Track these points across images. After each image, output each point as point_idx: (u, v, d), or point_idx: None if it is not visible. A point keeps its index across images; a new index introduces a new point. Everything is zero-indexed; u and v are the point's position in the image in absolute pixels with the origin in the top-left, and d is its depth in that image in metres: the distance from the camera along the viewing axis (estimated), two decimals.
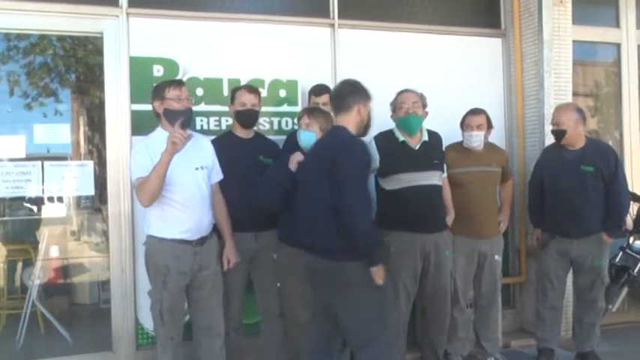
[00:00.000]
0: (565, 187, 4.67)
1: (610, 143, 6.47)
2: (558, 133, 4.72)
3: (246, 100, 4.23)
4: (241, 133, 4.30)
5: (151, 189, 3.52)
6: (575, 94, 5.80)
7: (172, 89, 3.76)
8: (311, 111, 4.12)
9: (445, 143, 4.68)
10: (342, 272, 3.37)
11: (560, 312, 4.95)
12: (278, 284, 4.19)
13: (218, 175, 3.99)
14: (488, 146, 4.84)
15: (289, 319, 4.09)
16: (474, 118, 4.71)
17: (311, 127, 4.01)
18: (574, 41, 5.62)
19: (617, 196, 4.66)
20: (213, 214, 3.92)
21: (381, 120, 4.51)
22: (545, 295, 4.86)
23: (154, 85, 3.96)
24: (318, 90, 4.60)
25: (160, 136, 3.72)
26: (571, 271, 4.90)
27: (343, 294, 3.40)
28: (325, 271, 3.43)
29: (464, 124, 4.75)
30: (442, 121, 4.77)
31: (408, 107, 4.35)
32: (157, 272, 3.69)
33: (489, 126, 4.78)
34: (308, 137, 3.99)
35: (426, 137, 4.43)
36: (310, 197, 3.49)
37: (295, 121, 4.81)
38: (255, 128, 4.40)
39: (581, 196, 4.63)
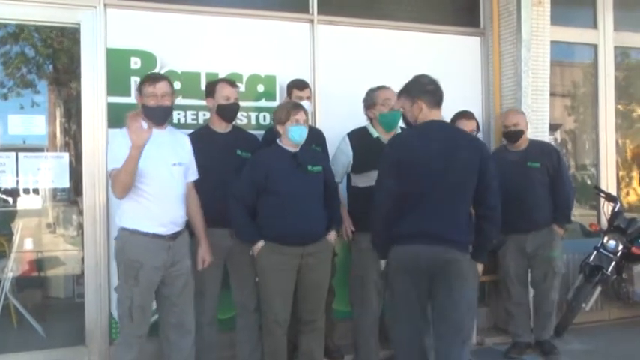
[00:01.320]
0: (513, 185, 4.79)
1: (586, 143, 6.57)
2: (516, 134, 5.00)
3: (230, 93, 4.22)
4: (219, 127, 4.28)
5: (122, 182, 3.53)
6: (552, 94, 5.86)
7: (147, 85, 3.72)
8: (302, 107, 4.09)
9: None
10: (462, 263, 3.49)
11: (527, 307, 5.12)
12: (257, 279, 4.18)
13: (194, 175, 3.95)
14: None
15: (268, 316, 4.07)
16: (469, 123, 4.82)
17: (305, 123, 4.01)
18: (552, 42, 5.68)
19: (563, 188, 4.99)
20: (187, 212, 3.88)
21: (359, 116, 4.53)
22: (509, 292, 5.09)
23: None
24: (301, 84, 4.64)
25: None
26: None
27: (458, 283, 3.47)
28: (448, 261, 3.46)
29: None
30: None
31: (391, 104, 4.35)
32: (129, 267, 3.61)
33: (478, 129, 4.92)
34: (304, 133, 4.00)
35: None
36: (443, 191, 3.47)
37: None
38: (232, 122, 4.38)
39: (528, 191, 4.90)
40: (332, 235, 4.14)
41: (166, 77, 3.90)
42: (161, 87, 3.73)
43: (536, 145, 5.10)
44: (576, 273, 5.66)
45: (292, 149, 4.02)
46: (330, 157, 4.55)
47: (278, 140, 4.08)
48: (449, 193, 3.48)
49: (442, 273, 3.45)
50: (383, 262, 3.68)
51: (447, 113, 4.76)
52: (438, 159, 3.48)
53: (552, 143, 5.77)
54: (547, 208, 4.95)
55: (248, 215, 3.98)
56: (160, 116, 3.76)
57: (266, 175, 3.93)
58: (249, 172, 3.99)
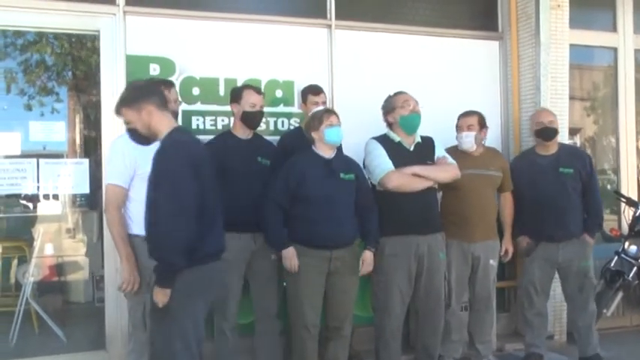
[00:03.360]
0: (546, 191, 4.77)
1: (606, 147, 6.51)
2: (550, 132, 4.84)
3: (256, 100, 4.25)
4: (241, 133, 4.29)
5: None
6: (571, 97, 5.81)
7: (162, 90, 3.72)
8: (334, 112, 4.22)
9: (443, 145, 4.65)
10: None
11: (546, 317, 5.02)
12: (284, 284, 4.22)
13: None
14: (489, 150, 4.87)
15: (296, 321, 4.10)
16: (464, 119, 4.75)
17: (338, 124, 4.12)
18: (571, 45, 5.62)
19: (595, 196, 4.86)
20: None
21: (377, 121, 4.52)
22: (532, 301, 4.91)
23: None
24: (316, 89, 4.66)
25: None
26: (557, 277, 4.97)
27: None
28: None
29: (457, 127, 4.78)
30: (438, 123, 4.79)
31: (412, 106, 4.36)
32: (142, 274, 3.62)
33: (483, 126, 4.78)
34: (341, 133, 4.12)
35: (419, 139, 4.45)
36: (218, 203, 3.29)
37: (292, 121, 4.91)
38: (256, 129, 4.39)
39: (562, 198, 4.76)
40: (367, 256, 4.18)
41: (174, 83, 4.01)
42: (174, 93, 3.82)
43: (567, 150, 4.98)
44: (597, 279, 5.59)
45: (327, 155, 4.09)
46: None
47: (313, 146, 4.14)
48: (218, 205, 3.29)
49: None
50: (168, 292, 3.01)
51: None
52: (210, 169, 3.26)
53: None
54: (580, 215, 4.81)
55: (282, 221, 4.04)
56: None
57: (299, 181, 4.00)
58: (284, 177, 4.04)
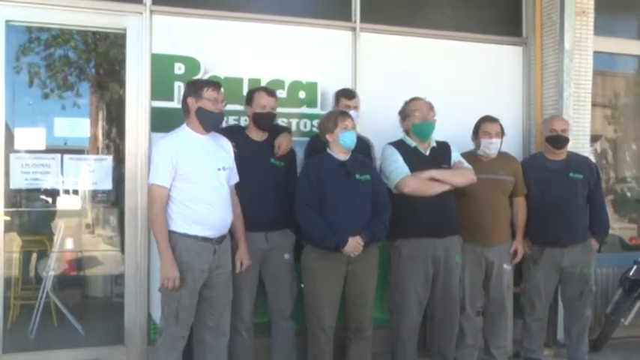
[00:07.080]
0: (555, 194, 4.76)
1: (627, 155, 6.46)
2: (564, 140, 4.85)
3: (266, 102, 4.25)
4: (255, 134, 4.33)
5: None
6: (593, 104, 5.76)
7: (211, 90, 3.81)
8: (349, 114, 4.17)
9: (463, 149, 4.67)
10: None
11: (545, 322, 5.03)
12: (302, 285, 4.22)
13: (235, 178, 4.03)
14: (501, 155, 4.82)
15: (314, 322, 4.11)
16: (492, 125, 4.71)
17: (353, 128, 4.10)
18: (594, 52, 5.59)
19: (602, 204, 4.93)
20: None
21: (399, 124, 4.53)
22: (534, 307, 4.92)
23: (191, 80, 4.05)
24: (350, 94, 4.67)
25: (187, 135, 3.82)
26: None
27: None
28: None
29: (481, 132, 4.71)
30: (459, 127, 4.80)
31: (422, 114, 4.37)
32: (179, 270, 3.67)
33: (503, 133, 4.77)
34: (355, 137, 4.09)
35: (434, 144, 4.47)
36: None
37: (315, 122, 4.89)
38: (268, 130, 4.39)
39: (571, 203, 4.77)
40: (350, 240, 3.91)
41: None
42: (221, 94, 3.88)
43: (576, 157, 4.99)
44: (616, 287, 5.57)
45: (342, 157, 4.08)
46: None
47: (327, 149, 4.13)
48: None
49: None
50: None
51: None
52: None
53: (592, 154, 5.70)
54: (586, 221, 4.85)
55: (321, 219, 3.96)
56: (218, 122, 3.93)
57: (320, 182, 4.00)
58: (306, 179, 4.05)
